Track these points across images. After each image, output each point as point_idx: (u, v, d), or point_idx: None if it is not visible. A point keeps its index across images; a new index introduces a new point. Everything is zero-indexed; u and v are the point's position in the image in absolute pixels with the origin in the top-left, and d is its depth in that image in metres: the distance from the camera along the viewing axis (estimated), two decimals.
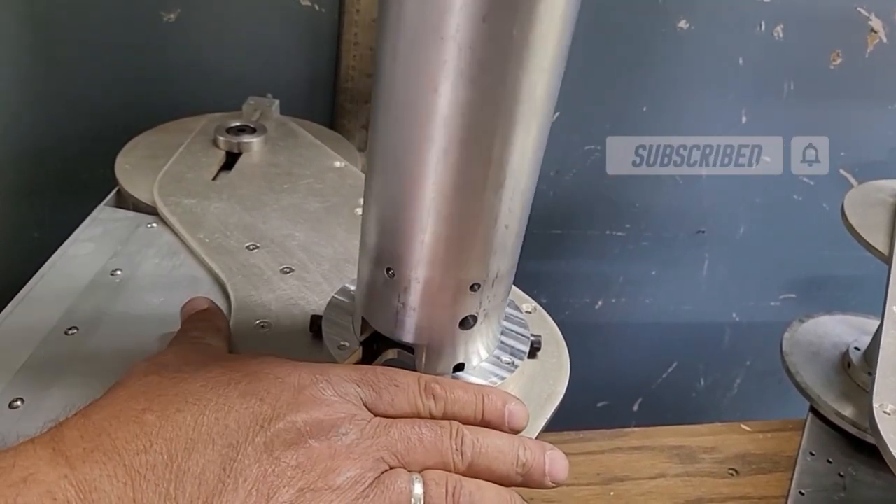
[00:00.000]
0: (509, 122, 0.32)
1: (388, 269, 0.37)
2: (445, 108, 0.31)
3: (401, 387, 0.36)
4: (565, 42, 0.31)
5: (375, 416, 0.35)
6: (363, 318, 0.41)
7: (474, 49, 0.29)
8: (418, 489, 0.32)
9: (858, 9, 0.85)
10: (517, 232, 0.37)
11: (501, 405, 0.37)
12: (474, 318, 0.38)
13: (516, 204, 0.35)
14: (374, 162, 0.35)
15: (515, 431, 0.38)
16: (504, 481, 0.35)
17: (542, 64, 0.30)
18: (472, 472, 0.35)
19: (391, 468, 0.33)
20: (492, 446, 0.35)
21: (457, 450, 0.34)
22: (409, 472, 0.33)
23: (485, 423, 0.37)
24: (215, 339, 0.41)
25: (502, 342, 0.43)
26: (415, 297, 0.37)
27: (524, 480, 0.36)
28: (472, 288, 0.37)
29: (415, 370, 0.40)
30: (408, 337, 0.39)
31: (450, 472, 0.34)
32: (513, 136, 0.32)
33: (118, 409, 0.31)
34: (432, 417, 0.36)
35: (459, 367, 0.41)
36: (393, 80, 0.32)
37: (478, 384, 0.39)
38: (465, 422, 0.36)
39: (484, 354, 0.42)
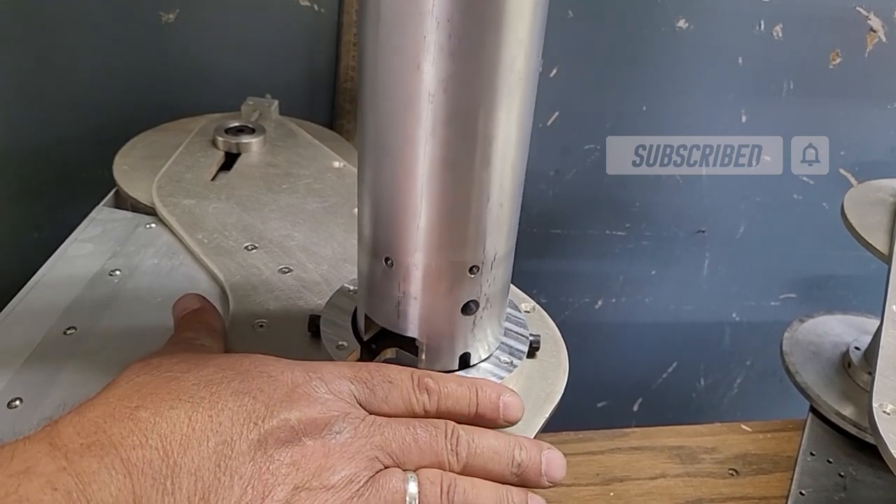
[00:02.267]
0: (492, 96, 0.32)
1: (387, 259, 0.37)
2: (429, 85, 0.31)
3: (394, 383, 0.36)
4: (541, 16, 0.32)
5: (370, 413, 0.35)
6: (366, 316, 0.40)
7: (452, 22, 0.29)
8: (413, 488, 0.32)
9: (857, 8, 0.85)
10: (511, 211, 0.37)
11: (496, 397, 0.37)
12: (476, 304, 0.38)
13: (507, 180, 0.35)
14: (365, 151, 0.36)
15: (510, 423, 0.38)
16: (500, 481, 0.35)
17: (519, 35, 0.31)
18: (468, 472, 0.35)
19: (386, 467, 0.33)
20: (487, 446, 0.35)
21: (452, 450, 0.34)
22: (404, 471, 0.33)
23: (479, 416, 0.37)
24: (209, 340, 0.40)
25: (501, 341, 0.43)
26: (415, 284, 0.37)
27: (520, 480, 0.36)
28: (470, 271, 0.37)
29: (416, 368, 0.40)
30: (412, 328, 0.39)
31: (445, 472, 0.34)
32: (497, 110, 0.32)
33: (112, 408, 0.31)
34: (426, 412, 0.36)
35: (465, 360, 0.40)
36: (377, 62, 0.32)
37: (471, 377, 0.39)
38: (460, 415, 0.36)
39: (484, 354, 0.41)
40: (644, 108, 0.89)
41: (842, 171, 0.97)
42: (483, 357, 0.41)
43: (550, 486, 0.36)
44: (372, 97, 0.33)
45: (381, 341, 0.42)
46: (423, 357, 0.40)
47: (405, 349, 0.41)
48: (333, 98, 0.82)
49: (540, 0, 0.31)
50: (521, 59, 0.32)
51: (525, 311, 0.48)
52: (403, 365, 0.39)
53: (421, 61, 0.31)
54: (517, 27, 0.31)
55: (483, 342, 0.41)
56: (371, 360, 0.42)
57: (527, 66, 0.32)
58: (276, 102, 0.73)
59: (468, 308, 0.38)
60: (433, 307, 0.38)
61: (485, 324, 0.40)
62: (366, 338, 0.42)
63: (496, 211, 0.36)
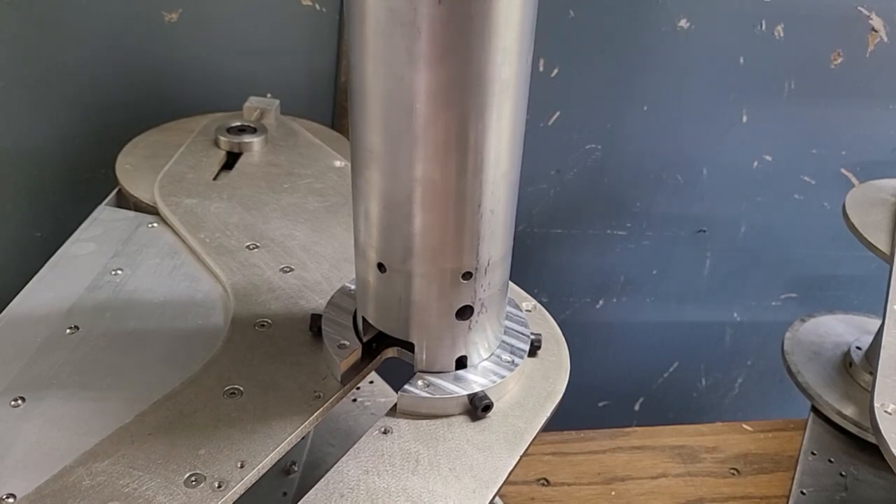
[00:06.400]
0: (480, 104, 0.32)
1: (380, 265, 0.37)
2: (415, 95, 0.31)
3: None
4: (528, 21, 0.31)
5: None
6: (364, 318, 0.41)
7: (434, 32, 0.29)
8: None
9: (859, 8, 0.85)
10: (505, 217, 0.37)
11: None
12: (471, 309, 0.38)
13: (499, 188, 0.35)
14: (356, 158, 0.36)
15: None
16: None
17: (504, 43, 0.31)
18: None
19: None
20: None
21: None
22: None
23: None
24: None
25: (502, 340, 0.43)
26: (408, 290, 0.37)
27: None
28: (464, 276, 0.37)
29: (415, 368, 0.40)
30: (408, 332, 0.39)
31: None
32: (485, 117, 0.32)
33: None
34: None
35: (462, 362, 0.40)
36: (363, 72, 0.32)
37: None
38: None
39: (485, 354, 0.42)
40: (645, 108, 0.89)
41: (843, 171, 0.97)
42: (484, 357, 0.42)
43: None
44: (360, 106, 0.33)
45: (382, 342, 0.42)
46: (423, 359, 0.40)
47: (404, 349, 0.41)
48: (335, 97, 0.83)
49: (527, 7, 0.31)
50: (509, 67, 0.31)
51: (526, 310, 0.48)
52: (404, 364, 0.39)
53: (404, 72, 0.30)
54: (503, 35, 0.30)
55: (482, 344, 0.41)
56: (372, 359, 0.42)
57: (515, 73, 0.32)
58: (277, 102, 0.73)
59: (463, 313, 0.38)
60: (428, 312, 0.38)
61: (482, 326, 0.40)
62: (365, 339, 0.42)
63: (488, 217, 0.35)
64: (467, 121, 0.32)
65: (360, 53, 0.32)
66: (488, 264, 0.37)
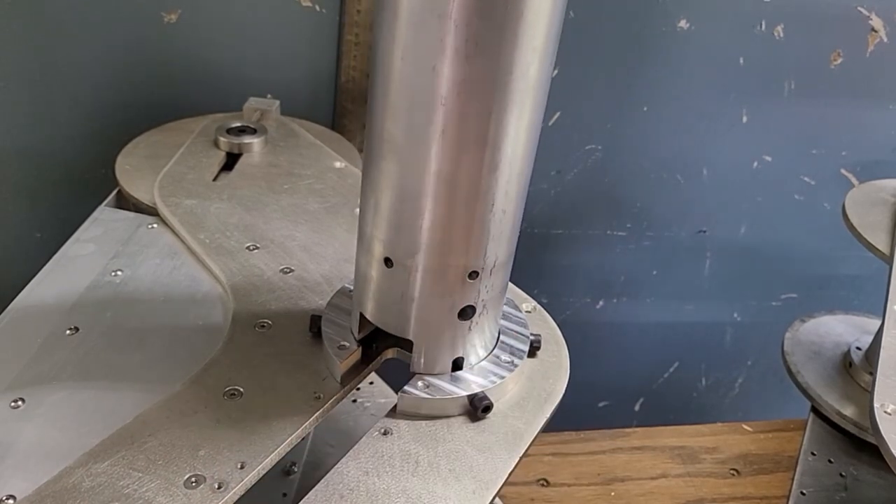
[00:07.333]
0: (504, 102, 0.32)
1: (387, 259, 0.37)
2: (443, 88, 0.31)
3: None
4: (556, 24, 0.32)
5: None
6: (361, 315, 0.40)
7: (470, 26, 0.29)
8: None
9: (859, 8, 0.85)
10: (514, 218, 0.37)
11: None
12: (473, 309, 0.38)
13: (512, 188, 0.35)
14: (372, 149, 0.36)
15: None
16: None
17: (534, 43, 0.31)
18: None
19: None
20: None
21: None
22: None
23: None
24: None
25: (502, 341, 0.43)
26: (413, 286, 0.37)
27: None
28: (470, 276, 0.37)
29: (413, 368, 0.40)
30: (407, 330, 0.39)
31: None
32: (508, 116, 0.32)
33: None
34: None
35: (458, 363, 0.40)
36: (390, 62, 0.32)
37: None
38: None
39: (483, 353, 0.42)
40: (645, 109, 0.89)
41: (843, 171, 0.97)
42: (482, 357, 0.42)
43: None
44: (383, 96, 0.33)
45: (381, 341, 0.42)
46: (422, 360, 0.40)
47: (402, 348, 0.41)
48: (335, 98, 0.83)
49: (557, 9, 0.31)
50: (535, 67, 0.32)
51: (526, 311, 0.48)
52: (403, 364, 0.39)
53: (436, 63, 0.31)
54: (534, 34, 0.31)
55: (479, 345, 0.41)
56: (371, 360, 0.42)
57: (540, 74, 0.32)
58: (277, 103, 0.73)
59: (465, 313, 0.38)
60: (430, 310, 0.38)
61: (481, 328, 0.40)
62: (359, 337, 0.42)
63: (500, 217, 0.36)
64: (489, 117, 0.32)
65: (389, 43, 0.32)
66: (494, 265, 0.37)
